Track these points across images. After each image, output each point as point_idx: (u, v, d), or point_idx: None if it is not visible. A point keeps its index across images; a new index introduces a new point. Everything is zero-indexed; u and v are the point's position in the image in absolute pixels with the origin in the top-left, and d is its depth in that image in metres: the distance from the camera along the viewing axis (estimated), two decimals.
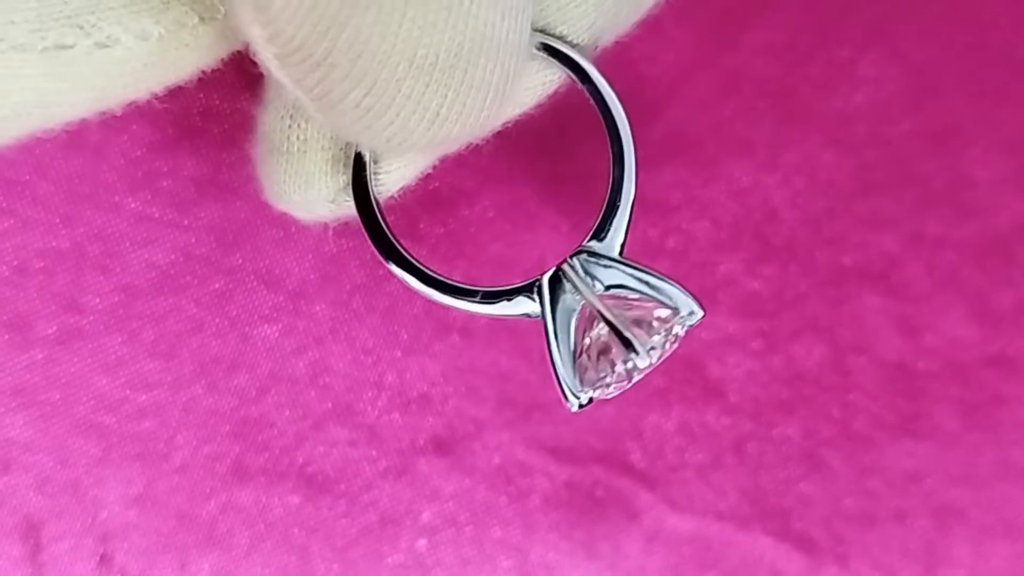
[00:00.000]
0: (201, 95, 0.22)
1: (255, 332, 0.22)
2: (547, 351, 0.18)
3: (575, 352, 0.18)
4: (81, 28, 0.15)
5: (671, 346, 0.18)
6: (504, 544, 0.23)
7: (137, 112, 0.22)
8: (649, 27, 0.22)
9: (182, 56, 0.16)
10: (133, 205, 0.22)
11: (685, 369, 0.23)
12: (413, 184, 0.22)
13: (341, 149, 0.18)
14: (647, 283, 0.18)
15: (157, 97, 0.22)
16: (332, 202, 0.18)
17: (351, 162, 0.18)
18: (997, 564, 0.24)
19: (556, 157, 0.23)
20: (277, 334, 0.22)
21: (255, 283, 0.22)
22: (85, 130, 0.22)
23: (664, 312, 0.18)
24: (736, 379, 0.23)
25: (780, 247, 0.23)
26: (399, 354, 0.23)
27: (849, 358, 0.24)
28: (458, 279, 0.23)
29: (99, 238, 0.22)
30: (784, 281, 0.23)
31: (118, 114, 0.22)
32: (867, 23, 0.23)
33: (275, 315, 0.22)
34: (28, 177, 0.22)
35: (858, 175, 0.23)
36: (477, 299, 0.18)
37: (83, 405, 0.22)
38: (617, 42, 0.22)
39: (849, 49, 0.23)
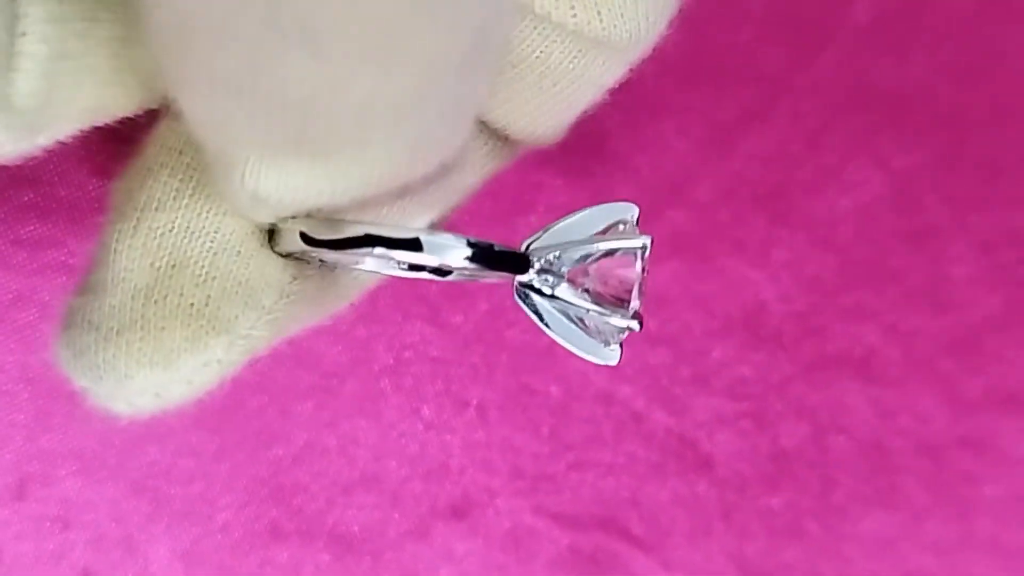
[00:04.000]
0: None
1: (292, 407, 0.25)
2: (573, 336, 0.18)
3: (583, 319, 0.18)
4: None
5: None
6: None
7: None
8: (653, 136, 0.24)
9: None
10: None
11: (679, 445, 0.26)
12: None
13: (203, 325, 0.17)
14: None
15: None
16: (188, 382, 0.17)
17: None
18: None
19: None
20: (311, 410, 0.25)
21: (293, 364, 0.25)
22: None
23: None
24: (725, 455, 0.26)
25: (768, 336, 0.26)
26: (421, 428, 0.25)
27: (829, 437, 0.26)
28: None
29: None
30: (771, 367, 0.26)
31: None
32: (852, 133, 0.26)
33: (310, 393, 0.25)
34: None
35: (842, 271, 0.26)
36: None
37: (136, 470, 0.25)
38: (623, 150, 0.25)
39: (836, 156, 0.26)
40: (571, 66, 0.17)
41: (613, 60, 0.17)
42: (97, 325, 0.16)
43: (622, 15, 0.16)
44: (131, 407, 0.17)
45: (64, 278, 0.24)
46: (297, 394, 0.25)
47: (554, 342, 0.18)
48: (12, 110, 0.14)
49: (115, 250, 0.16)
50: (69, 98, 0.15)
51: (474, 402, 0.25)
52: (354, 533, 0.25)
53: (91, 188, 0.24)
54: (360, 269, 0.17)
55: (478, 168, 0.19)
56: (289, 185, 0.15)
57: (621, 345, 0.18)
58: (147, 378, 0.16)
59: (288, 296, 0.17)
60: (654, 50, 0.19)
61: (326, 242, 0.16)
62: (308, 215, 0.17)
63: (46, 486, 0.24)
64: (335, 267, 0.18)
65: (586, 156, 0.25)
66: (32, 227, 0.24)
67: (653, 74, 0.24)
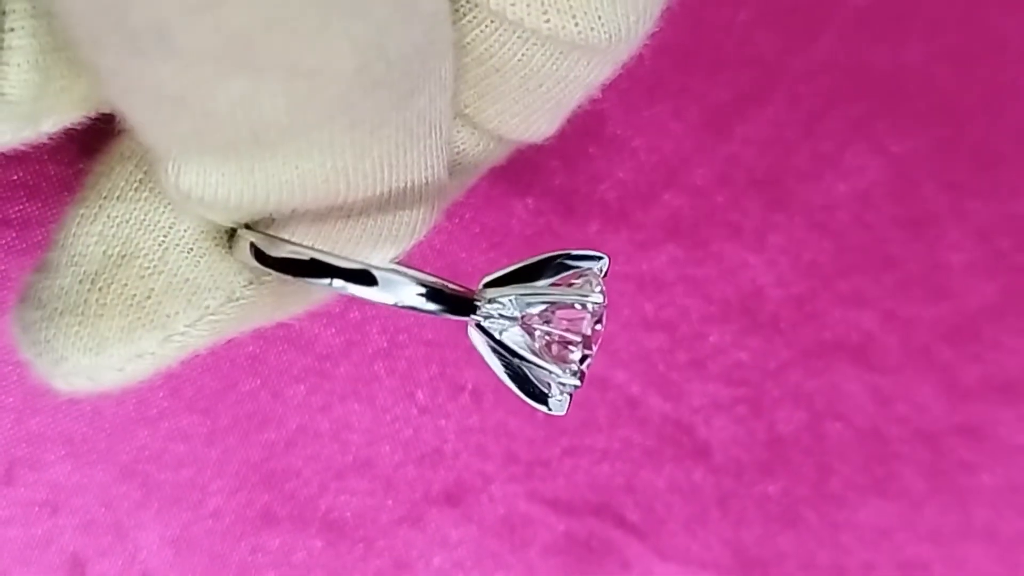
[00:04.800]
0: None
1: (285, 391, 0.25)
2: (521, 376, 0.17)
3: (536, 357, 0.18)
4: None
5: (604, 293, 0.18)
6: None
7: None
8: (650, 120, 0.24)
9: None
10: None
11: (675, 431, 0.25)
12: None
13: (139, 318, 0.17)
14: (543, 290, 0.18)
15: None
16: (120, 370, 0.17)
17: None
18: None
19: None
20: (304, 393, 0.25)
21: (286, 346, 0.24)
22: None
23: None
24: (722, 441, 0.26)
25: (765, 322, 0.26)
26: (415, 413, 0.25)
27: (826, 424, 0.26)
28: None
29: None
30: (768, 353, 0.26)
31: None
32: (850, 119, 0.25)
33: (303, 376, 0.25)
34: None
35: (839, 257, 0.26)
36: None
37: (126, 454, 0.24)
38: (620, 133, 0.24)
39: (833, 142, 0.25)
40: (554, 68, 0.17)
41: (598, 60, 0.17)
42: (44, 304, 0.17)
43: (599, 18, 0.16)
44: (67, 386, 0.17)
45: None
46: (290, 377, 0.24)
47: None
48: (8, 103, 0.14)
49: (74, 234, 0.17)
50: (67, 87, 0.15)
51: (468, 386, 0.25)
52: (347, 519, 0.25)
53: (81, 166, 0.24)
54: (322, 286, 0.17)
55: (472, 169, 0.19)
56: (208, 182, 0.15)
57: (570, 396, 0.18)
58: (79, 361, 0.17)
59: (239, 300, 0.18)
60: (651, 34, 0.19)
61: (277, 263, 0.16)
62: (261, 230, 0.17)
63: (35, 470, 0.24)
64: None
65: (583, 138, 0.24)
66: (21, 206, 0.24)
67: (650, 57, 0.24)
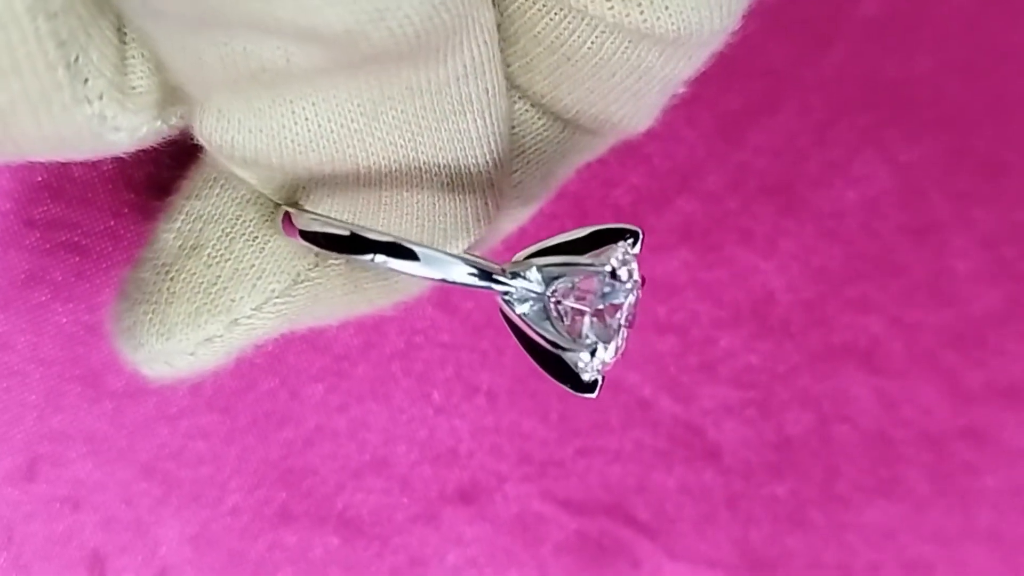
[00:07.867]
0: None
1: (303, 390, 0.25)
2: (546, 356, 0.17)
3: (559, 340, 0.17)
4: None
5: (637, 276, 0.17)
6: None
7: None
8: (663, 126, 0.25)
9: None
10: None
11: (686, 433, 0.26)
12: None
13: (206, 303, 0.18)
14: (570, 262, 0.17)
15: None
16: (191, 354, 0.18)
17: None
18: None
19: None
20: (322, 393, 0.25)
21: (304, 347, 0.25)
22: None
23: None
24: (731, 443, 0.26)
25: (775, 326, 0.26)
26: (431, 413, 0.25)
27: (833, 427, 0.26)
28: None
29: None
30: (777, 356, 0.26)
31: None
32: (860, 128, 0.26)
33: (321, 376, 0.25)
34: (106, 246, 0.24)
35: (848, 264, 0.26)
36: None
37: (147, 452, 0.25)
38: (634, 139, 0.25)
39: (843, 150, 0.26)
40: (624, 57, 0.16)
41: (671, 53, 0.17)
42: (127, 296, 0.18)
43: (666, 8, 0.16)
44: (150, 371, 0.18)
45: (77, 258, 0.24)
46: (308, 377, 0.25)
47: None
48: (139, 94, 0.15)
49: (160, 231, 0.18)
50: None
51: (483, 388, 0.25)
52: (363, 517, 0.25)
53: (105, 168, 0.24)
54: (364, 262, 0.17)
55: (559, 160, 0.19)
56: (225, 127, 0.16)
57: (603, 377, 0.17)
58: (154, 347, 0.18)
59: (304, 282, 0.18)
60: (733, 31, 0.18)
61: (319, 239, 0.17)
62: (299, 207, 0.17)
63: (57, 467, 0.24)
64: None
65: None
66: (45, 207, 0.24)
67: None
